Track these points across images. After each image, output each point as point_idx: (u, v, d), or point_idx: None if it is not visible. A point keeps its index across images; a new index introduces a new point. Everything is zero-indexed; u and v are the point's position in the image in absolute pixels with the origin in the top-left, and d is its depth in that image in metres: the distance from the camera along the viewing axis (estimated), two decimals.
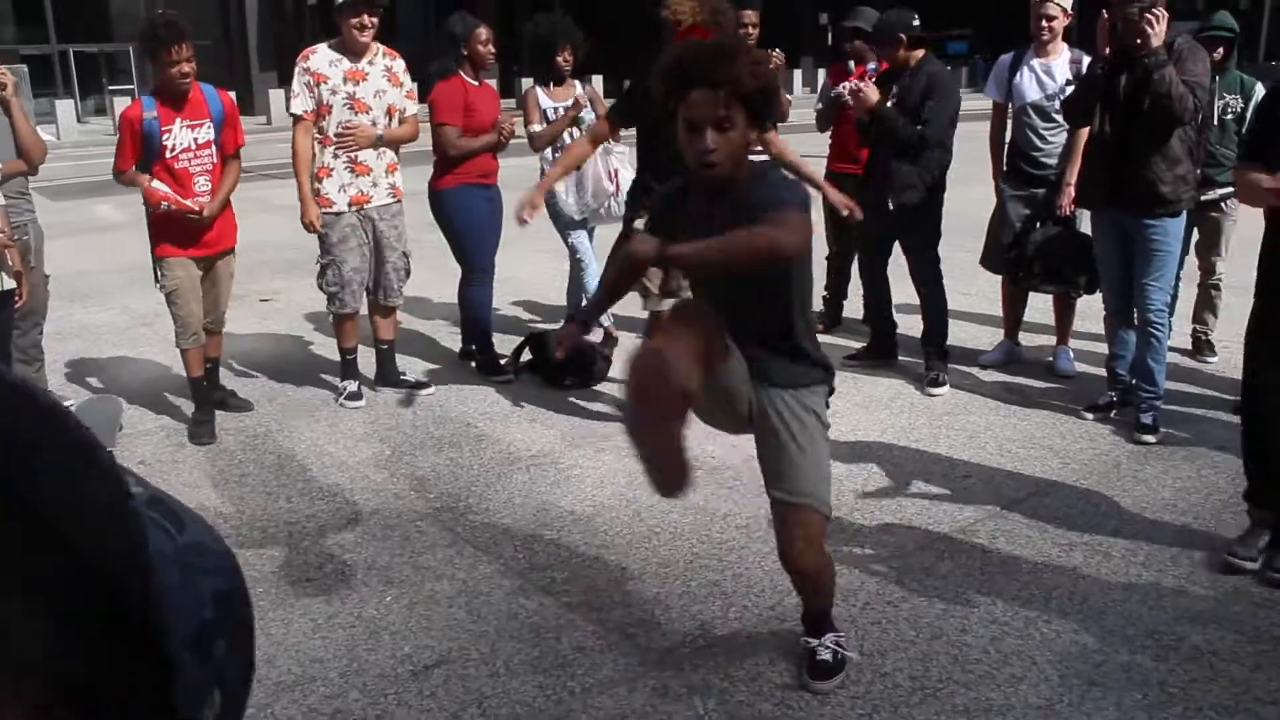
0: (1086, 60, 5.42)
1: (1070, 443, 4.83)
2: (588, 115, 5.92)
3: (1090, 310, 5.76)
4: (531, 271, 7.95)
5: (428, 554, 3.86)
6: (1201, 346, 5.92)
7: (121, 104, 25.67)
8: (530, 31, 6.02)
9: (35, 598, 0.44)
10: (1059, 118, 5.46)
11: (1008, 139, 5.84)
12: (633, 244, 2.64)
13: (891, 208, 5.41)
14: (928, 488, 4.37)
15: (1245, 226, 5.03)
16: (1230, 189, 5.30)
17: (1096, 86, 4.73)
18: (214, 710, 0.54)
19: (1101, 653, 3.16)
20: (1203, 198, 5.17)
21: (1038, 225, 5.53)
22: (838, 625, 3.13)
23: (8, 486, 0.43)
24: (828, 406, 2.94)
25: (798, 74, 33.27)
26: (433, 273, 7.25)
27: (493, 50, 5.71)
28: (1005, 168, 5.82)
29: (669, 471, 2.59)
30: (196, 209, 4.85)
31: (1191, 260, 5.62)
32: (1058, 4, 5.49)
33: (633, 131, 5.03)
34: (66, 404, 0.55)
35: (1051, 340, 5.93)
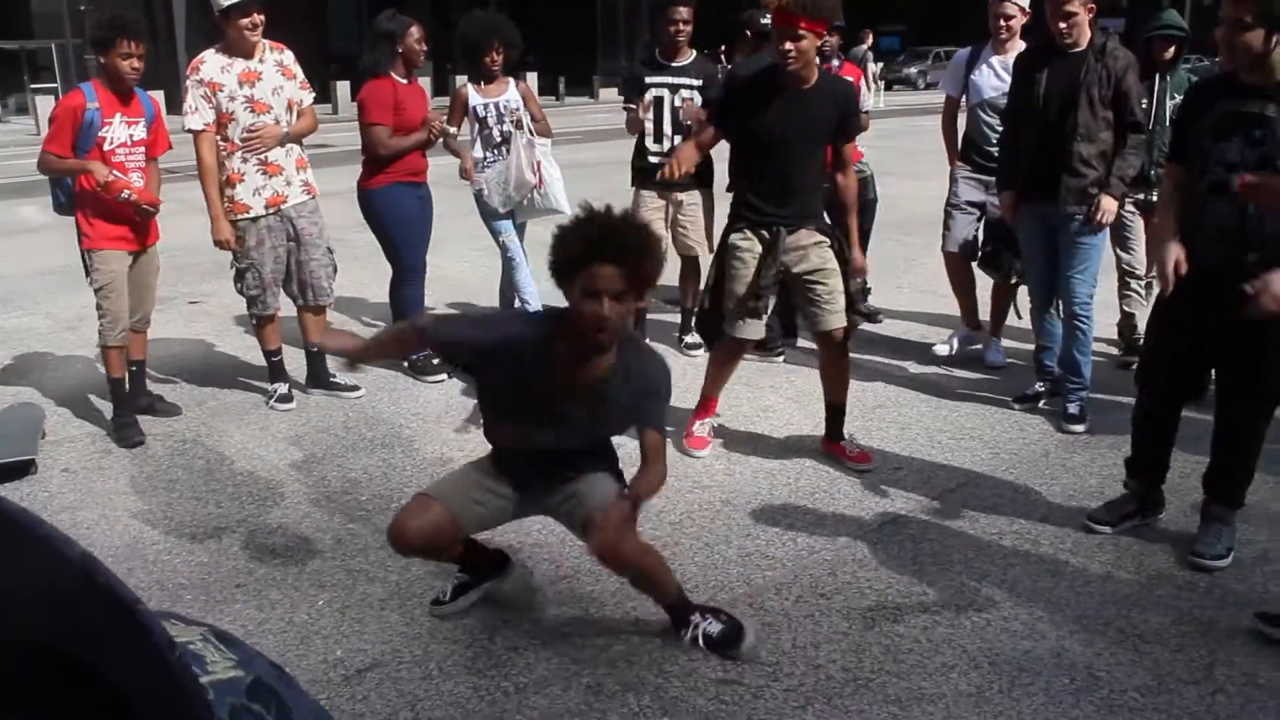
0: None
1: (1000, 433, 4.90)
2: (523, 114, 5.90)
3: (1019, 302, 5.85)
4: (463, 270, 7.90)
5: (359, 557, 3.81)
6: (1127, 343, 5.89)
7: (44, 102, 25.14)
8: (461, 29, 5.98)
9: None
10: None
11: (961, 132, 5.91)
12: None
13: None
14: (859, 480, 4.41)
15: None
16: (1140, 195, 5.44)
17: (1017, 80, 4.84)
18: None
19: (1030, 639, 3.21)
20: (1127, 198, 5.21)
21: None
22: (694, 603, 3.25)
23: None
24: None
25: None
26: (365, 272, 7.17)
27: (424, 48, 5.67)
28: (960, 158, 5.89)
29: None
30: (159, 202, 4.84)
31: (1110, 253, 5.73)
32: (1015, 3, 5.56)
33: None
34: None
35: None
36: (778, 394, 5.50)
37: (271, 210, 5.13)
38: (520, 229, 6.04)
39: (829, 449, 4.65)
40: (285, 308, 5.43)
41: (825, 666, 3.09)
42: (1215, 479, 3.74)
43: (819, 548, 3.82)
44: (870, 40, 20.07)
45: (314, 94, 5.44)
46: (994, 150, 5.62)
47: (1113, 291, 5.82)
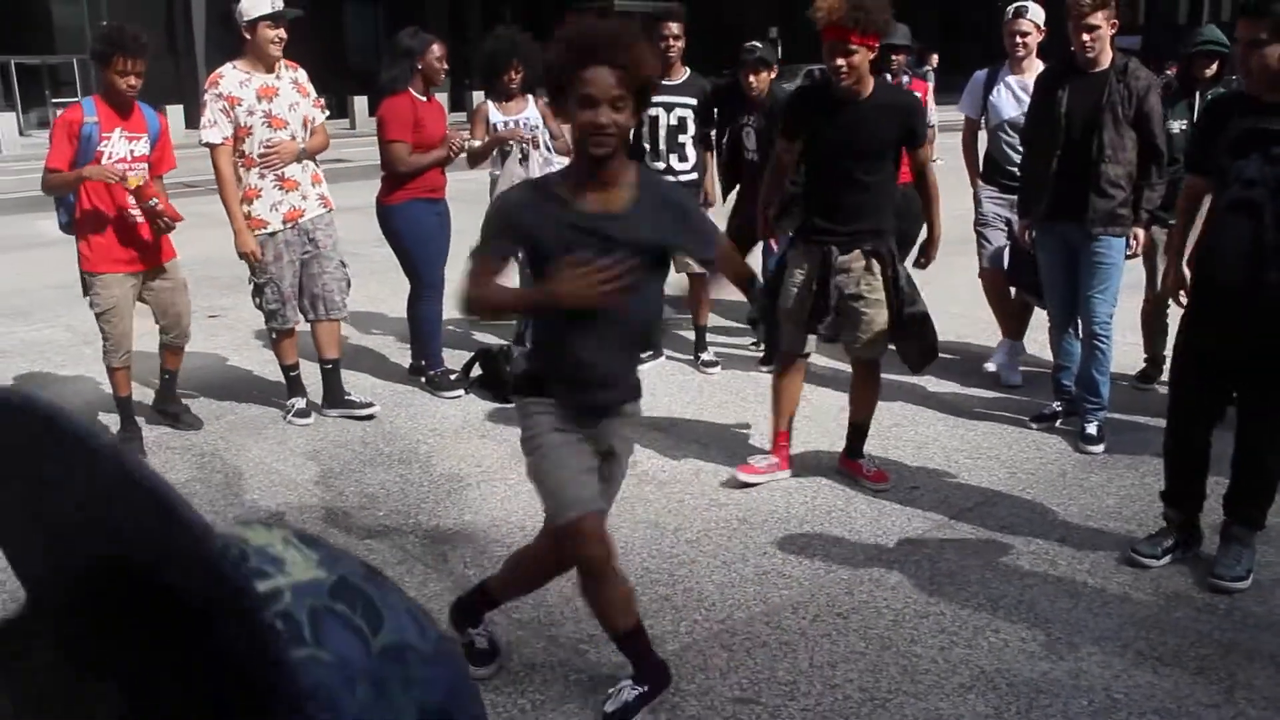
0: None
1: (1017, 453, 4.89)
2: (541, 133, 5.94)
3: (1036, 320, 5.83)
4: None
5: None
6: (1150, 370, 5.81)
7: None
8: (481, 47, 6.04)
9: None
10: None
11: (982, 153, 5.91)
12: None
13: None
14: (876, 499, 4.40)
15: None
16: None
17: (1037, 101, 4.84)
18: None
19: (1048, 660, 3.20)
20: (1159, 224, 5.11)
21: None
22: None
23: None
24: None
25: None
26: (382, 288, 7.20)
27: (445, 66, 5.71)
28: (982, 179, 5.89)
29: None
30: (180, 217, 4.88)
31: (1134, 274, 5.71)
32: (1030, 20, 5.56)
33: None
34: None
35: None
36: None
37: (289, 225, 5.16)
38: None
39: (846, 466, 4.65)
40: (304, 322, 5.46)
41: (842, 686, 3.08)
42: (1236, 500, 3.72)
43: (836, 567, 3.81)
44: (935, 60, 20.19)
45: (327, 112, 5.48)
46: (1017, 170, 5.62)
47: (1131, 311, 5.80)
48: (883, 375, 4.57)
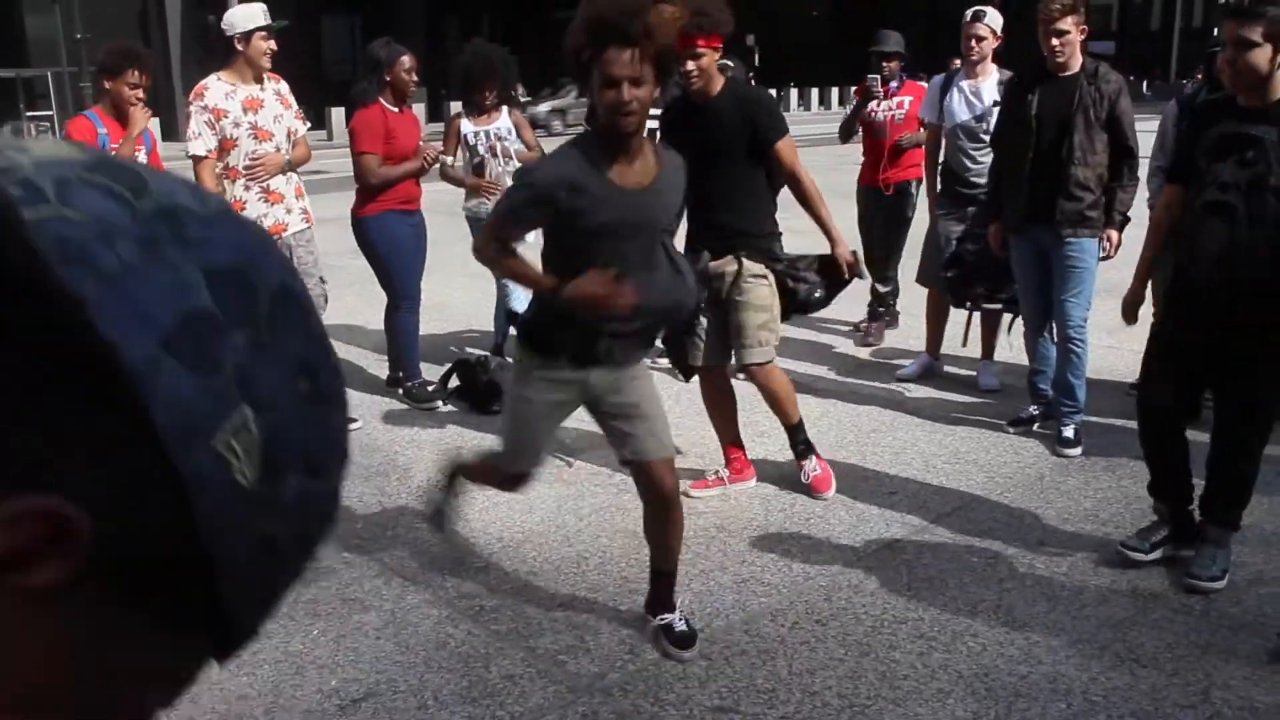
0: None
1: (994, 457, 4.91)
2: (515, 145, 5.95)
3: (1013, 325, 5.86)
4: (458, 297, 7.90)
5: (355, 585, 3.80)
6: None
7: (39, 130, 25.18)
8: (458, 61, 6.04)
9: None
10: (988, 138, 5.58)
11: (940, 160, 5.95)
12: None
13: None
14: (855, 504, 4.40)
15: None
16: None
17: (1007, 105, 4.87)
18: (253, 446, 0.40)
19: (1027, 664, 3.20)
20: None
21: (969, 245, 5.62)
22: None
23: None
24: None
25: None
26: (359, 300, 7.18)
27: (415, 79, 5.69)
28: (941, 191, 5.92)
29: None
30: None
31: (1106, 276, 5.74)
32: (987, 25, 5.63)
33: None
34: None
35: (975, 356, 6.03)
36: (772, 419, 5.47)
37: (273, 239, 5.14)
38: None
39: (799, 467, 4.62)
40: None
41: (821, 693, 3.08)
42: (1211, 501, 3.74)
43: (814, 573, 3.81)
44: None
45: (309, 124, 5.47)
46: (970, 177, 5.68)
47: (1106, 314, 5.83)
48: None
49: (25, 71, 30.90)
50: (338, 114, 27.60)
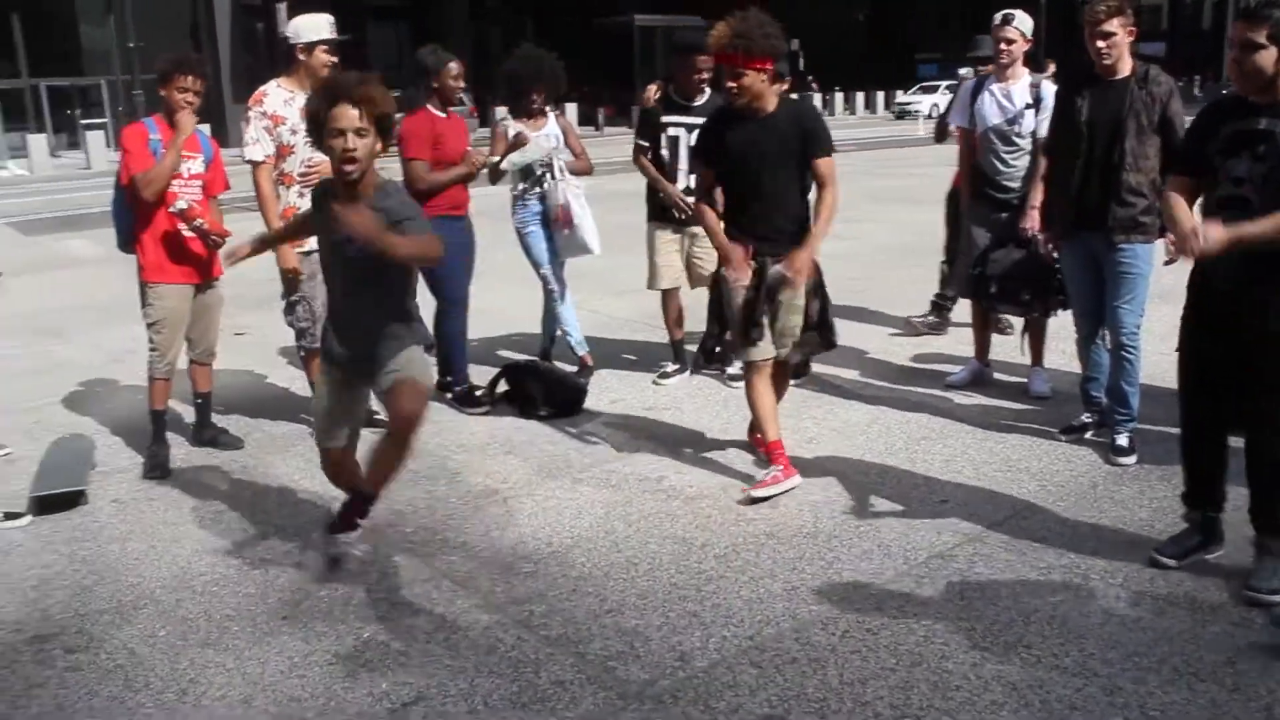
0: (1046, 84, 5.54)
1: (1047, 465, 4.85)
2: (564, 156, 6.01)
3: (1065, 331, 5.79)
4: (506, 302, 7.94)
5: (405, 589, 3.83)
6: None
7: (94, 137, 25.65)
8: (507, 66, 6.09)
9: None
10: (1020, 141, 5.62)
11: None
12: None
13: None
14: (906, 513, 4.37)
15: None
16: None
17: (1058, 111, 4.83)
18: None
19: (1081, 676, 3.16)
20: None
21: (1000, 247, 5.58)
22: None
23: None
24: None
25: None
26: None
27: (462, 85, 5.75)
28: (973, 194, 5.89)
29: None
30: (227, 233, 5.00)
31: (1162, 282, 5.66)
32: (1017, 29, 5.65)
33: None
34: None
35: (1025, 362, 5.96)
36: (820, 425, 5.48)
37: None
38: (560, 263, 6.18)
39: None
40: None
41: (873, 703, 3.05)
42: (1257, 510, 3.68)
43: (865, 581, 3.79)
44: (1052, 67, 20.41)
45: None
46: (1003, 181, 5.67)
47: (1160, 321, 5.74)
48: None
49: (80, 80, 31.53)
50: None
